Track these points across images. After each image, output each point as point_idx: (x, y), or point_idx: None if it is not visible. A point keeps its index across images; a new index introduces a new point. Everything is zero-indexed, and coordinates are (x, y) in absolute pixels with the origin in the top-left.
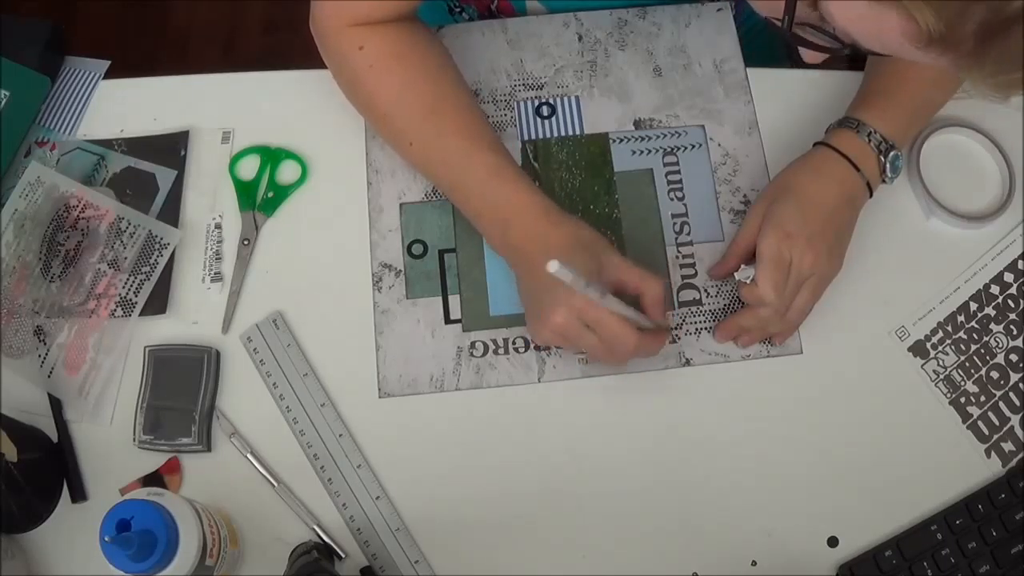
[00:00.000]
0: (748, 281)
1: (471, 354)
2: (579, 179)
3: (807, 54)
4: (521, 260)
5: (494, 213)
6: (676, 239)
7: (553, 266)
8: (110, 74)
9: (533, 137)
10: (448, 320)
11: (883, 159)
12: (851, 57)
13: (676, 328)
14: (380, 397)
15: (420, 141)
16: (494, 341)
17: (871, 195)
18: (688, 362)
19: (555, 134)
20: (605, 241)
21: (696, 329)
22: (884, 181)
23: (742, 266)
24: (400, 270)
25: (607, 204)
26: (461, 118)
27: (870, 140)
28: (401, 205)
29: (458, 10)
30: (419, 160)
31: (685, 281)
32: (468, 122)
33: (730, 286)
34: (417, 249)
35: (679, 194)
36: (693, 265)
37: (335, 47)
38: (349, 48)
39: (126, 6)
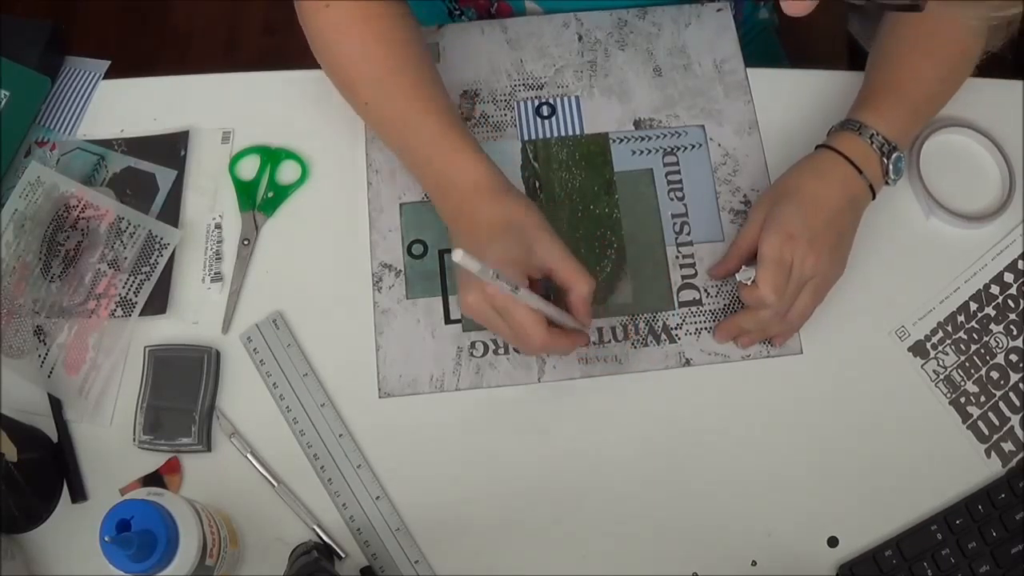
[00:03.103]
0: (749, 282)
1: (471, 354)
2: (579, 179)
3: (788, 5)
4: (455, 232)
5: (436, 179)
6: (676, 239)
7: (457, 255)
8: (110, 74)
9: (533, 137)
10: (448, 320)
11: (886, 161)
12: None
13: (676, 328)
14: (380, 397)
15: (375, 101)
16: (494, 341)
17: (874, 197)
18: (688, 362)
19: (555, 134)
20: (544, 225)
21: (696, 329)
22: (887, 183)
23: (743, 267)
24: (400, 270)
25: (607, 204)
26: (417, 82)
27: (872, 142)
28: (401, 205)
29: (458, 12)
30: (372, 120)
31: (685, 281)
32: (424, 87)
33: (730, 286)
34: (417, 249)
35: (679, 194)
36: (693, 265)
37: (304, 6)
38: (316, 6)
39: (126, 6)
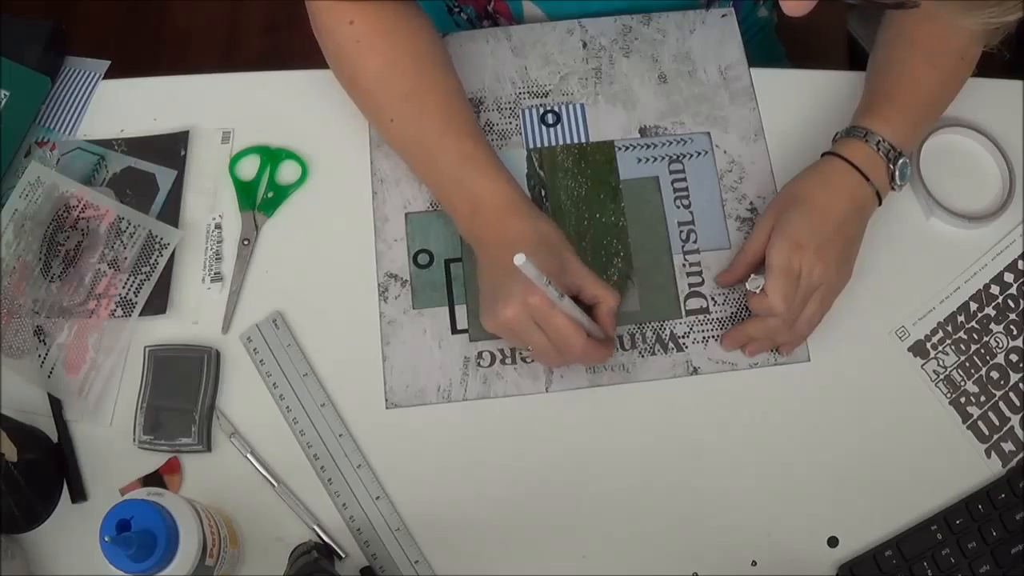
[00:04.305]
0: (757, 291)
1: (478, 364)
2: (585, 187)
3: (788, 5)
4: (483, 249)
5: (463, 199)
6: (683, 247)
7: (519, 259)
8: (110, 74)
9: (538, 145)
10: (455, 330)
11: (892, 167)
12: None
13: (684, 336)
14: (387, 408)
15: (399, 120)
16: (501, 351)
17: (880, 203)
18: (696, 371)
19: (560, 142)
20: (569, 243)
21: (704, 337)
22: (893, 188)
23: (752, 276)
24: (406, 280)
25: (613, 212)
26: (442, 101)
27: (879, 149)
28: (407, 215)
29: (457, 10)
30: (396, 139)
31: (692, 289)
32: (449, 106)
33: (737, 294)
34: (423, 259)
35: (685, 202)
36: (700, 273)
37: (325, 19)
38: (339, 21)
39: (126, 6)
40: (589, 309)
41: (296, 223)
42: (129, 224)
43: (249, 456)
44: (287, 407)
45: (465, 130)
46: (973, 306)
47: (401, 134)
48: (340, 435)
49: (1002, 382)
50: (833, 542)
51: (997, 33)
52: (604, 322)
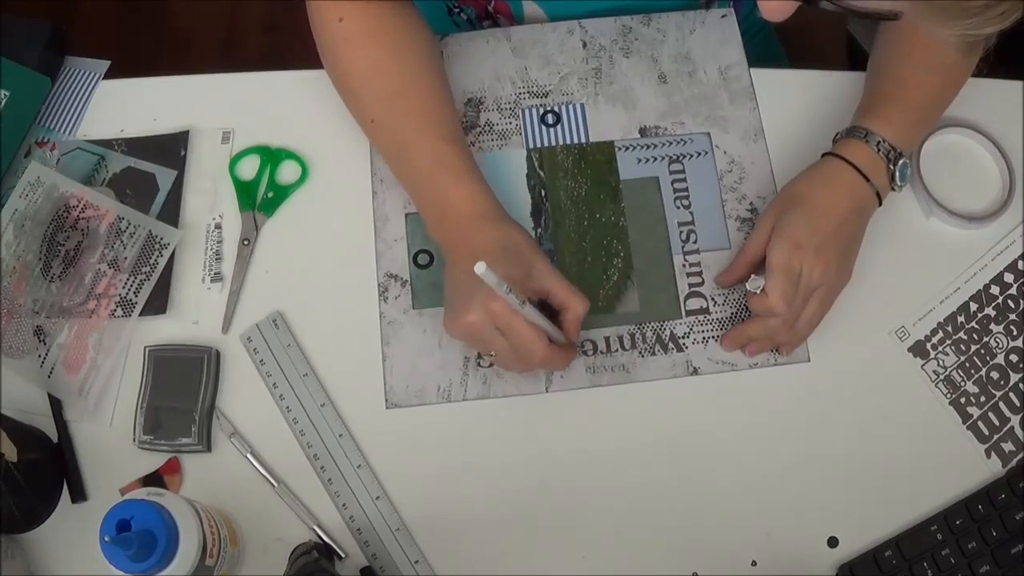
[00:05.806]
0: (758, 291)
1: (478, 364)
2: (585, 188)
3: (767, 7)
4: (450, 254)
5: (433, 202)
6: (683, 248)
7: (480, 267)
8: (110, 74)
9: (538, 145)
10: None
11: (892, 167)
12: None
13: (684, 337)
14: (387, 408)
15: (380, 120)
16: None
17: (880, 204)
18: (696, 371)
19: (560, 142)
20: (538, 249)
21: (704, 338)
22: (893, 189)
23: (752, 276)
24: (406, 280)
25: (613, 212)
26: (424, 103)
27: (879, 149)
28: (407, 215)
29: (457, 10)
30: (376, 139)
31: (692, 290)
32: (430, 108)
33: (737, 295)
34: (423, 259)
35: (685, 202)
36: (700, 274)
37: (319, 16)
38: (330, 18)
39: (126, 6)
40: (558, 314)
41: (296, 223)
42: (129, 224)
43: (249, 456)
44: (287, 407)
45: (443, 134)
46: (973, 306)
47: (381, 135)
48: (340, 435)
49: (1002, 382)
50: (833, 542)
51: (976, 46)
52: (568, 328)
